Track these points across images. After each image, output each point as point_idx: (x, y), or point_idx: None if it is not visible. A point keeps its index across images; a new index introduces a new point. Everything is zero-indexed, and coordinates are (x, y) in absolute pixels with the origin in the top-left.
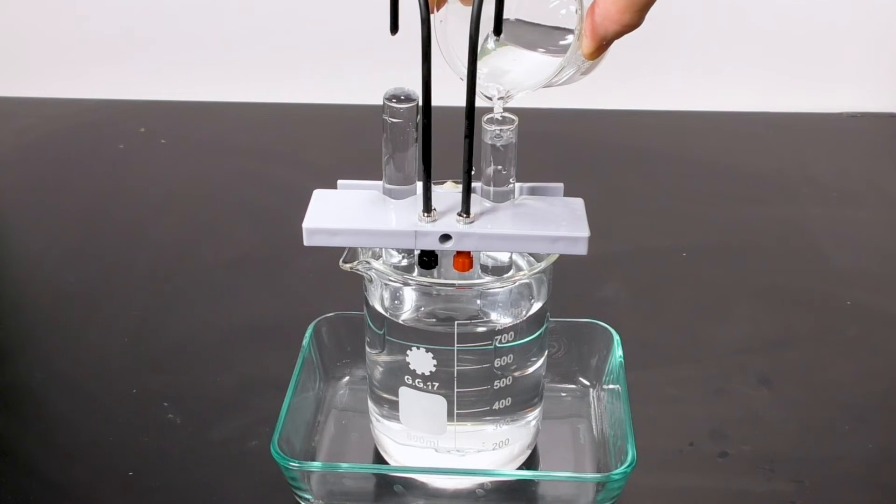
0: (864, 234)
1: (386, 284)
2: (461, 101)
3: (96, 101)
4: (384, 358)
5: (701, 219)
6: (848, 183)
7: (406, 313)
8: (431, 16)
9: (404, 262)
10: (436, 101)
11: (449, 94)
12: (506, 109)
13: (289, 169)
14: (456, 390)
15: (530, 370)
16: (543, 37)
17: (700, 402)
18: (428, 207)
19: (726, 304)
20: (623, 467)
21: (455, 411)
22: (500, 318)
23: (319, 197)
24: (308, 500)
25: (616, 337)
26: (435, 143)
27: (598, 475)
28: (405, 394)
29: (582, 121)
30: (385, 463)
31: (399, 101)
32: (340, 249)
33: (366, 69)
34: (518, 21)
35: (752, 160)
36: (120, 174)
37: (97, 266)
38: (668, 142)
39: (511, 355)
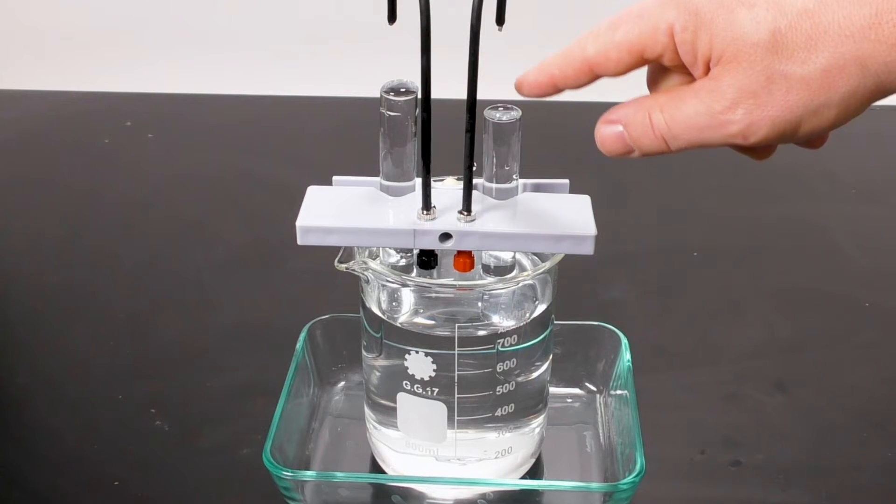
0: (884, 232)
1: (383, 285)
2: (462, 94)
3: (80, 93)
4: (381, 362)
5: (713, 217)
6: (867, 179)
7: (404, 315)
8: None
9: (402, 262)
10: (436, 93)
11: (449, 86)
12: (509, 102)
13: (282, 165)
14: (456, 396)
15: (534, 375)
16: None
17: (712, 408)
18: (427, 205)
19: (739, 305)
20: (631, 476)
21: (455, 418)
22: (503, 321)
23: (314, 194)
24: None
25: (624, 340)
26: (435, 137)
27: (605, 485)
28: (403, 400)
29: (589, 114)
30: (382, 472)
31: (397, 93)
32: (336, 249)
33: (362, 60)
34: None
35: None
36: (105, 170)
37: (81, 266)
38: None
39: (514, 359)
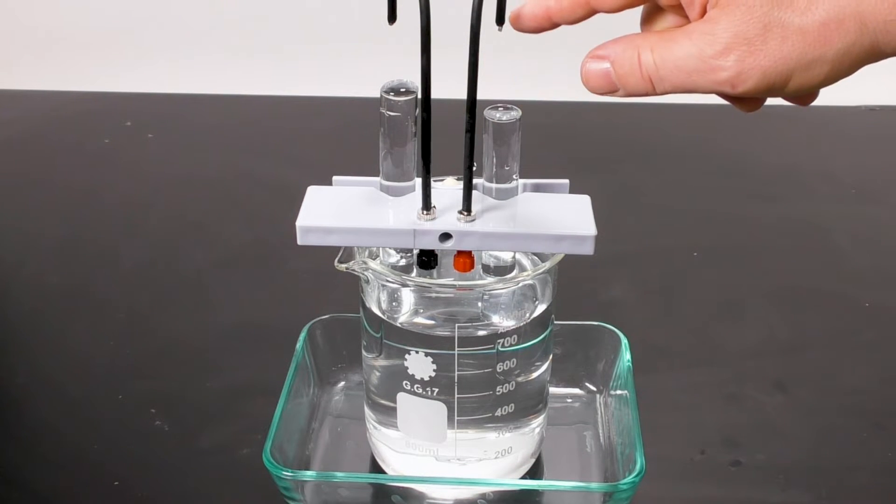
0: (883, 232)
1: (383, 285)
2: (462, 94)
3: (80, 93)
4: (381, 362)
5: (713, 217)
6: (867, 178)
7: (404, 315)
8: None
9: (402, 262)
10: (436, 93)
11: (449, 86)
12: (509, 102)
13: (282, 165)
14: (456, 396)
15: (534, 375)
16: None
17: (712, 408)
18: (427, 205)
19: (739, 305)
20: (631, 477)
21: (455, 418)
22: (503, 321)
23: (314, 194)
24: None
25: (624, 340)
26: (435, 137)
27: (605, 485)
28: (403, 400)
29: (588, 114)
30: (382, 472)
31: (397, 93)
32: (336, 249)
33: (362, 60)
34: None
35: (766, 155)
36: (105, 170)
37: (81, 266)
38: (679, 136)
39: (514, 359)
